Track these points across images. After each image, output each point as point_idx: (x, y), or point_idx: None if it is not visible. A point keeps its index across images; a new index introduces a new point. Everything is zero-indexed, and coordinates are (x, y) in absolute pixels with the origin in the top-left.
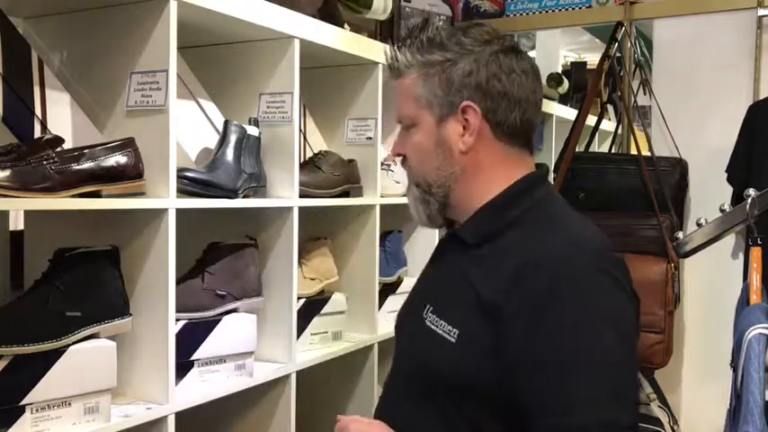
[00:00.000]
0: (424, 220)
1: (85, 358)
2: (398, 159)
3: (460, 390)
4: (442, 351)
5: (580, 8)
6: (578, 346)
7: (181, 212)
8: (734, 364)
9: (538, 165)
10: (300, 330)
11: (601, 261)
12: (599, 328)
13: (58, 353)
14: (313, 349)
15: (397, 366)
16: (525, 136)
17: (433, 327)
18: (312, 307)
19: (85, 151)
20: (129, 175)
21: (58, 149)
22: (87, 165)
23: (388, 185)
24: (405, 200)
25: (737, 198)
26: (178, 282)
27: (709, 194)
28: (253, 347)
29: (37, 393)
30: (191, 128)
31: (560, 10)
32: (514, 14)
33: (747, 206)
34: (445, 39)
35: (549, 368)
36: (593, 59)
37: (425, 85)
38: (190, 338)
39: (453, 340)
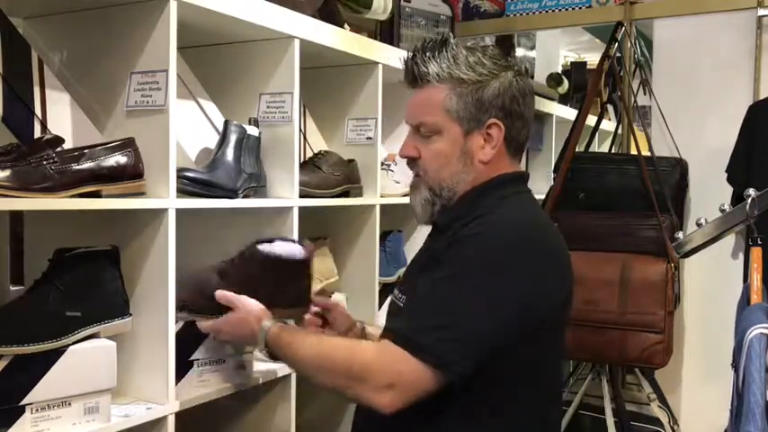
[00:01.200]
0: (426, 220)
1: (85, 358)
2: (404, 160)
3: None
4: (398, 315)
5: (580, 8)
6: (441, 287)
7: (180, 213)
8: (735, 365)
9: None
10: None
11: (513, 233)
12: (472, 277)
13: (58, 353)
14: None
15: None
16: (522, 149)
17: (395, 300)
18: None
19: (85, 151)
20: (129, 175)
21: (58, 149)
22: (87, 165)
23: (387, 185)
24: (405, 200)
25: (737, 198)
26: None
27: (709, 194)
28: (253, 347)
29: (37, 393)
30: (191, 128)
31: (560, 10)
32: (514, 14)
33: (747, 206)
34: (474, 61)
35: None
36: (593, 59)
37: (459, 101)
38: (190, 338)
39: (401, 305)
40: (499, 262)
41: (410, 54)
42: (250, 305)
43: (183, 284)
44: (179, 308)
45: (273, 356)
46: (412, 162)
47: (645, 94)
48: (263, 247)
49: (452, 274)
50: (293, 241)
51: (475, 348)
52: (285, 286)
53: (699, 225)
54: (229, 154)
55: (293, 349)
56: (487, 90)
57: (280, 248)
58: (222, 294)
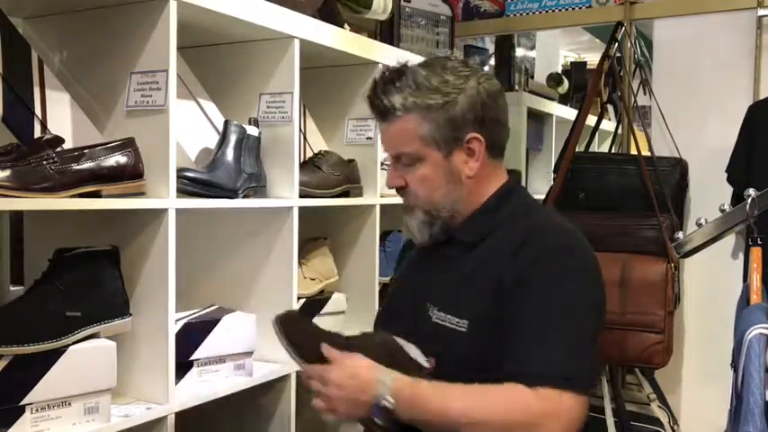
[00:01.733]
0: (425, 240)
1: (85, 358)
2: (393, 190)
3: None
4: (454, 339)
5: (580, 8)
6: (553, 310)
7: (180, 212)
8: (734, 365)
9: (510, 171)
10: None
11: (580, 242)
12: (571, 297)
13: (58, 353)
14: None
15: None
16: (504, 147)
17: (442, 322)
18: (312, 307)
19: (85, 151)
20: (129, 175)
21: (58, 149)
22: (87, 165)
23: None
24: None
25: (737, 198)
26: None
27: (709, 194)
28: (252, 347)
29: (37, 393)
30: (191, 128)
31: (560, 10)
32: (514, 14)
33: (747, 206)
34: (437, 83)
35: (525, 325)
36: (593, 59)
37: (431, 127)
38: (189, 338)
39: (463, 330)
40: (588, 273)
41: (371, 89)
42: (357, 359)
43: (299, 325)
44: (287, 339)
45: (388, 414)
46: (401, 190)
47: (645, 94)
48: (399, 340)
49: (560, 297)
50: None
51: (593, 359)
52: None
53: (699, 225)
54: (229, 154)
55: (433, 403)
56: (457, 108)
57: (413, 350)
58: (328, 349)
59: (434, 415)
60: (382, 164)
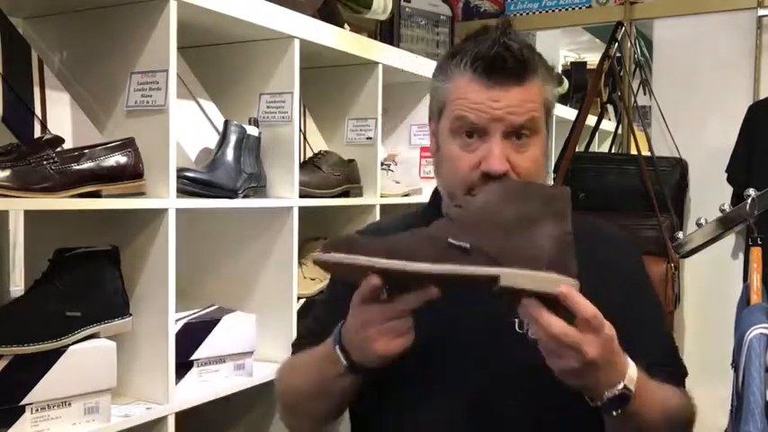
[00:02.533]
0: None
1: (85, 358)
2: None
3: None
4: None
5: (580, 8)
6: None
7: (180, 212)
8: (734, 365)
9: None
10: None
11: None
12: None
13: (58, 353)
14: None
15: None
16: None
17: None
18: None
19: (85, 151)
20: (129, 175)
21: (58, 149)
22: (87, 165)
23: (387, 185)
24: (405, 200)
25: (737, 198)
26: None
27: (709, 194)
28: (252, 347)
29: (37, 393)
30: (191, 128)
31: (560, 10)
32: (514, 14)
33: (747, 206)
34: (537, 55)
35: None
36: (593, 59)
37: (549, 93)
38: (189, 338)
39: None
40: None
41: (498, 45)
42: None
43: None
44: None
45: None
46: (497, 177)
47: (645, 94)
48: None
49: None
50: None
51: None
52: (538, 234)
53: (699, 225)
54: (229, 154)
55: (657, 396)
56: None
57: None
58: (571, 292)
59: (652, 410)
60: (382, 164)
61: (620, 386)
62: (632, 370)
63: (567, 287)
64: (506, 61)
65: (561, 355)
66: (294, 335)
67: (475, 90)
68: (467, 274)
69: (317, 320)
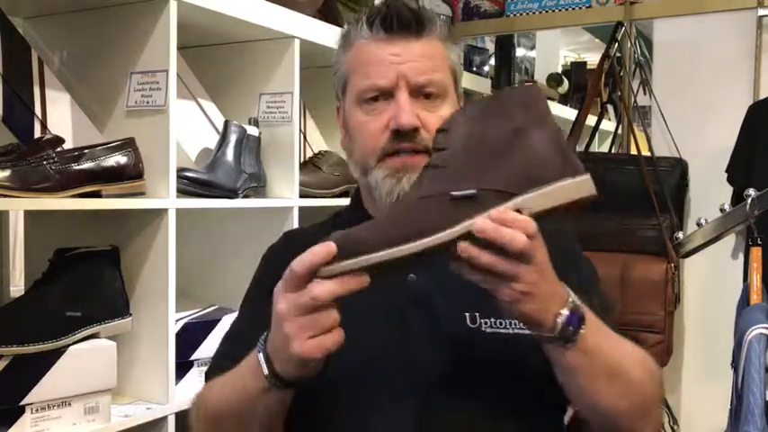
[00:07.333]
0: None
1: (85, 358)
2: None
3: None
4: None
5: (580, 8)
6: None
7: (180, 212)
8: (734, 365)
9: None
10: None
11: None
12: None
13: (58, 353)
14: None
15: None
16: None
17: (501, 330)
18: None
19: (85, 151)
20: (129, 175)
21: (58, 149)
22: (87, 165)
23: None
24: None
25: (737, 198)
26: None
27: (709, 194)
28: None
29: (37, 393)
30: (191, 128)
31: (560, 10)
32: (514, 14)
33: (747, 206)
34: (435, 15)
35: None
36: (593, 59)
37: (453, 57)
38: (189, 338)
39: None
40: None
41: (395, 1)
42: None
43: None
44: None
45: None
46: (408, 135)
47: (645, 94)
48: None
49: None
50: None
51: None
52: (531, 144)
53: (699, 225)
54: (229, 154)
55: (611, 336)
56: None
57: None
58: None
59: (610, 350)
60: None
61: (570, 302)
62: (574, 295)
63: (481, 220)
64: (401, 14)
65: (501, 287)
66: None
67: (374, 49)
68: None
69: (237, 339)
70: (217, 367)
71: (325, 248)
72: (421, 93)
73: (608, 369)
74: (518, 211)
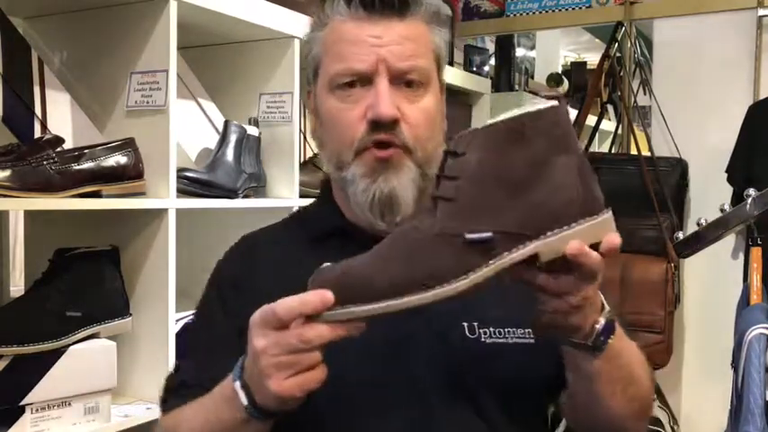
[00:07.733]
0: (412, 210)
1: (85, 358)
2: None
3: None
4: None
5: (580, 8)
6: None
7: (180, 212)
8: (734, 365)
9: None
10: None
11: None
12: None
13: (58, 353)
14: None
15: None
16: None
17: (500, 340)
18: None
19: (85, 151)
20: (129, 175)
21: (58, 149)
22: (87, 165)
23: None
24: None
25: (737, 198)
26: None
27: (709, 194)
28: None
29: (37, 393)
30: (191, 128)
31: (560, 10)
32: (514, 14)
33: (747, 206)
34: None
35: None
36: (593, 59)
37: (439, 41)
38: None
39: (533, 341)
40: None
41: None
42: None
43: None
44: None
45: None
46: (386, 127)
47: (645, 94)
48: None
49: None
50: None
51: None
52: (554, 174)
53: (699, 225)
54: (229, 154)
55: (632, 344)
56: (445, 32)
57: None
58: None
59: (628, 355)
60: None
61: (606, 312)
62: (605, 303)
63: (577, 243)
64: None
65: (553, 300)
66: None
67: (351, 29)
68: (505, 270)
69: (197, 356)
70: (180, 387)
71: (319, 297)
72: (402, 80)
73: (625, 374)
74: (535, 255)
